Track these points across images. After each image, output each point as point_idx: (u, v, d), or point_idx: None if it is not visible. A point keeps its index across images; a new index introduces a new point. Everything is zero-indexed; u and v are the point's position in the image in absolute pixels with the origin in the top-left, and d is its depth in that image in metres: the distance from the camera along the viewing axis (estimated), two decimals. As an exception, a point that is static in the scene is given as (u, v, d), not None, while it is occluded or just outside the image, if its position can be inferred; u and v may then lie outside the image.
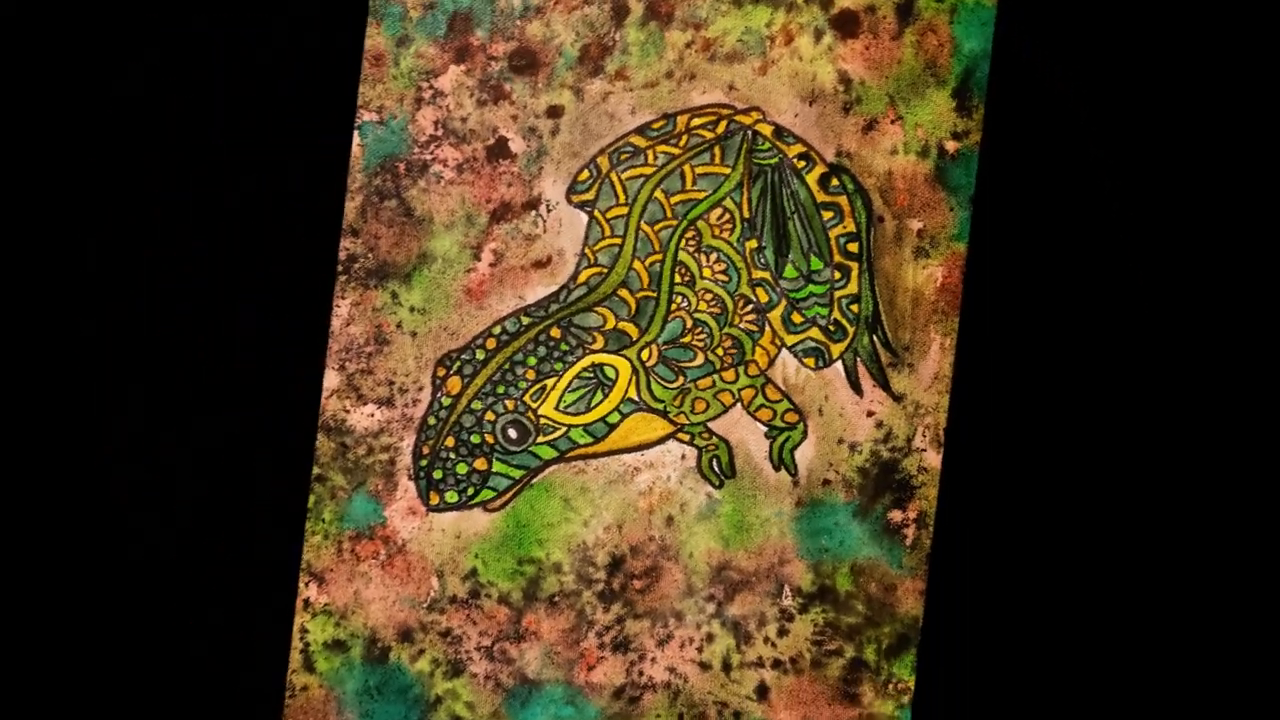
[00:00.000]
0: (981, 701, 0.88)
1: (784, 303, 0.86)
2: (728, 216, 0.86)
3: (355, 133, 0.86)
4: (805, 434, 0.86)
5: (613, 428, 0.87)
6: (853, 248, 0.86)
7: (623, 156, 0.86)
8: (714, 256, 0.86)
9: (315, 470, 0.87)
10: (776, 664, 0.87)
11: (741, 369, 0.86)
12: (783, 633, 0.87)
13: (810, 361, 0.86)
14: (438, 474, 0.87)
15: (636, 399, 0.87)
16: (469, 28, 0.86)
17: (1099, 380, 0.89)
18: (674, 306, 0.86)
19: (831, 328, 0.86)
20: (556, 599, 0.87)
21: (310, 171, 0.89)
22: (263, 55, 0.90)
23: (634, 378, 0.86)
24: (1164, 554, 0.90)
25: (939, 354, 0.86)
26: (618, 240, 0.86)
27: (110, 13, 0.90)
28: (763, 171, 0.86)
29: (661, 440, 0.87)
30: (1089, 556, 0.89)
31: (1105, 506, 0.89)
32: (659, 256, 0.86)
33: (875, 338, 0.86)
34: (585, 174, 0.86)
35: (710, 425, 0.87)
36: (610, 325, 0.86)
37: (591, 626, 0.87)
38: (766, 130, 0.86)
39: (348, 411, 0.87)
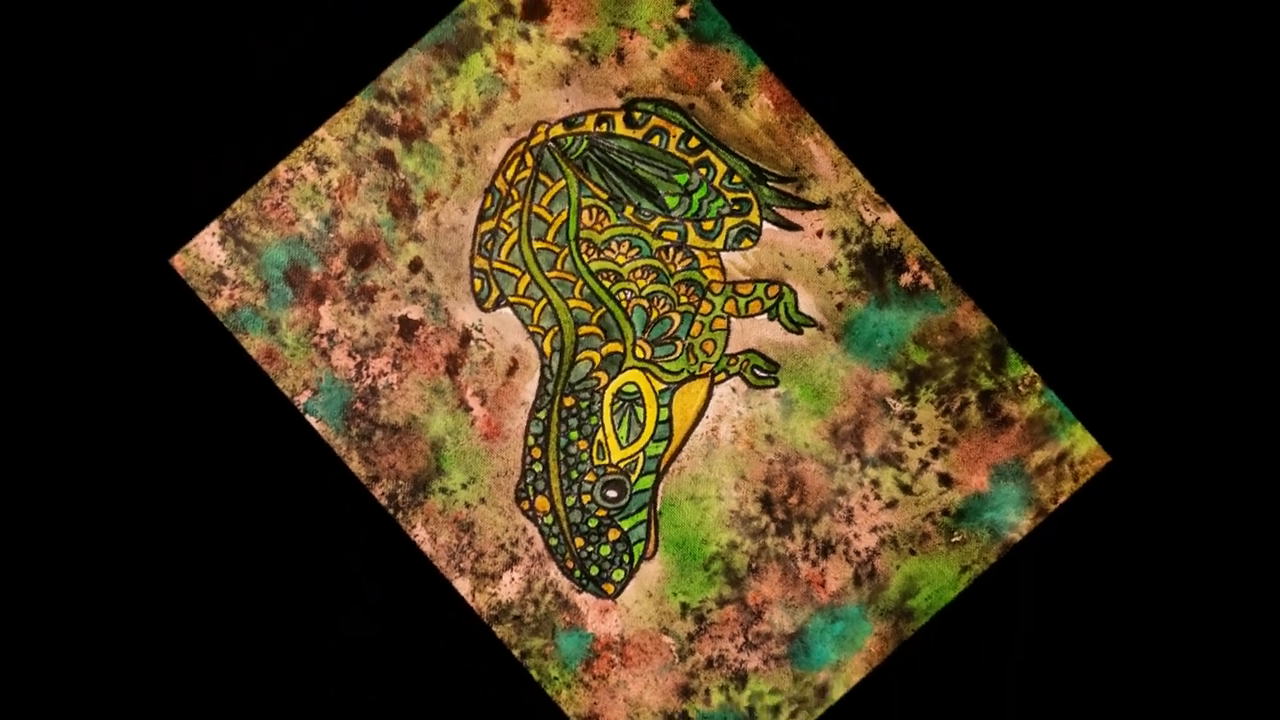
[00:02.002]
0: (1090, 343, 0.94)
1: (688, 225, 0.93)
2: (596, 210, 0.93)
3: (307, 416, 0.93)
4: (793, 290, 0.93)
5: (669, 421, 0.93)
6: (693, 143, 0.93)
7: (488, 246, 0.93)
8: (615, 244, 0.93)
9: (515, 653, 0.93)
10: (935, 453, 0.94)
11: (708, 295, 0.93)
12: (917, 429, 0.94)
13: (746, 243, 0.93)
14: (594, 570, 0.93)
15: (665, 385, 0.93)
16: (304, 274, 0.93)
17: (974, 72, 0.95)
18: (625, 303, 0.93)
19: (736, 207, 0.93)
20: (754, 565, 0.94)
21: (299, 471, 0.95)
22: (182, 412, 0.96)
23: (648, 375, 0.93)
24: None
25: (820, 148, 0.93)
26: (544, 300, 0.93)
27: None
28: (584, 157, 0.93)
29: (709, 394, 0.93)
30: (1080, 208, 0.95)
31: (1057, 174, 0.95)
32: (580, 282, 0.93)
33: (769, 184, 0.93)
34: (477, 283, 0.93)
35: (727, 353, 0.93)
36: (599, 359, 0.93)
37: (794, 558, 0.94)
38: (560, 130, 0.93)
39: (494, 594, 0.93)
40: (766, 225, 0.93)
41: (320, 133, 0.93)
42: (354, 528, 0.95)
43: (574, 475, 0.93)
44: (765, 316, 0.93)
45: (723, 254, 0.93)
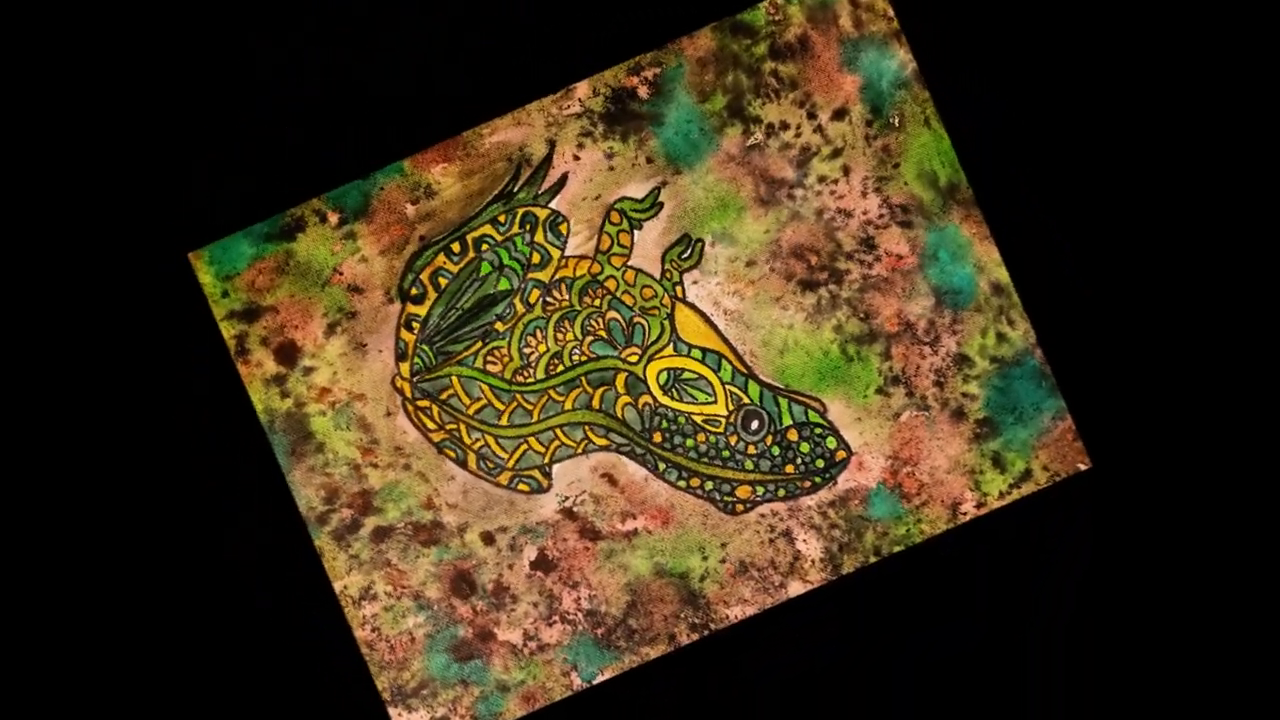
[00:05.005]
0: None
1: (529, 278, 0.97)
2: (487, 355, 0.97)
3: (594, 683, 0.97)
4: (620, 198, 0.97)
5: (710, 349, 0.97)
6: (455, 247, 0.97)
7: (489, 465, 0.97)
8: (526, 348, 0.97)
9: (872, 559, 0.97)
10: (811, 115, 0.97)
11: (600, 277, 0.97)
12: (785, 126, 0.97)
13: (563, 228, 0.97)
14: (819, 464, 0.97)
15: (674, 339, 0.97)
16: (463, 643, 0.97)
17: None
18: (585, 355, 0.97)
19: (527, 226, 0.97)
20: (861, 315, 0.97)
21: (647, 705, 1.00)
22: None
23: (656, 358, 0.97)
24: None
25: (498, 132, 0.97)
26: (555, 432, 0.97)
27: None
28: (436, 352, 0.97)
29: (692, 307, 0.97)
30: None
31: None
32: (549, 392, 0.97)
33: (516, 192, 0.97)
34: (522, 486, 0.97)
35: (658, 279, 0.97)
36: (629, 397, 0.97)
37: (865, 277, 0.97)
38: (404, 368, 0.97)
39: (814, 559, 0.97)
40: (552, 206, 0.97)
41: (336, 586, 0.97)
42: (688, 672, 0.99)
43: (726, 455, 0.97)
44: (636, 233, 0.97)
45: (566, 254, 0.97)
